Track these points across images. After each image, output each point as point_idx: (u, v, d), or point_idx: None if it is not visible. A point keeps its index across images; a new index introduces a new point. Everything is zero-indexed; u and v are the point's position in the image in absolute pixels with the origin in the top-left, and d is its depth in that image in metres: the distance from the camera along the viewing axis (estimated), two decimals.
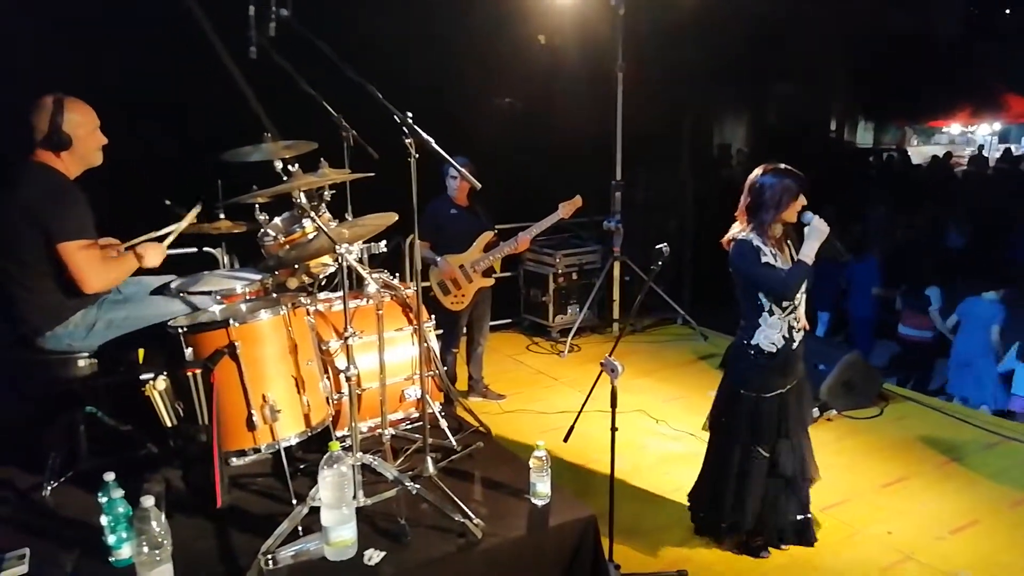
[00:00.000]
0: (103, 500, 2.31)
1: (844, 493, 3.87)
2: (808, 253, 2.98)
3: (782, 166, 3.06)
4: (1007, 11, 18.29)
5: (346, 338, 2.43)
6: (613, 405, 3.03)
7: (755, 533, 3.30)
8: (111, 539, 2.31)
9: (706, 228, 5.71)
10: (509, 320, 6.86)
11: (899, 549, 3.38)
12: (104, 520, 2.31)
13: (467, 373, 5.13)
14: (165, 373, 2.47)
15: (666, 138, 8.29)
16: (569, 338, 6.21)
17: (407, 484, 2.43)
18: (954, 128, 18.89)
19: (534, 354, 6.22)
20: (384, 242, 3.03)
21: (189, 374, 2.38)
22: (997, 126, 18.82)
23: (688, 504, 3.52)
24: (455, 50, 6.22)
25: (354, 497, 2.39)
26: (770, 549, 3.32)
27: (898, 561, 3.30)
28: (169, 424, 2.47)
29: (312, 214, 2.43)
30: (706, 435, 3.47)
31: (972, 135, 19.62)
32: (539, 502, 2.64)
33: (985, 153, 16.55)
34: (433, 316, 3.21)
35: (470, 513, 2.44)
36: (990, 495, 3.87)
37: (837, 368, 4.85)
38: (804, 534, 3.35)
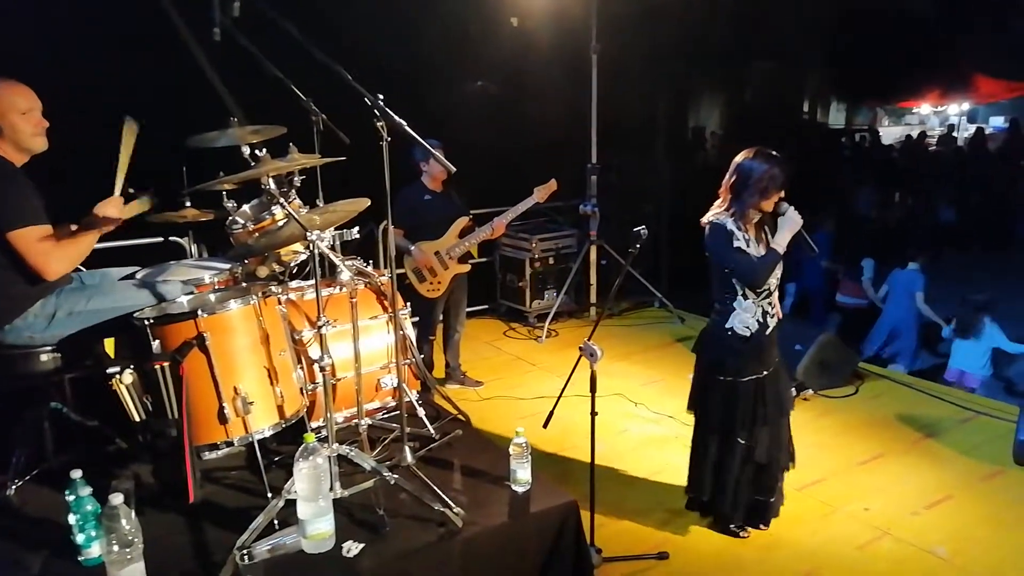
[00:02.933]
0: (70, 498, 2.24)
1: (822, 472, 3.91)
2: (780, 242, 3.00)
3: (772, 153, 3.03)
4: None
5: (319, 327, 2.37)
6: (593, 390, 3.02)
7: (733, 514, 3.32)
8: (80, 538, 2.24)
9: (682, 211, 5.69)
10: (486, 306, 6.82)
11: (876, 526, 3.42)
12: (72, 519, 2.24)
13: (444, 360, 5.09)
14: (132, 366, 2.39)
15: (642, 121, 8.27)
16: (547, 323, 6.19)
17: (385, 474, 2.39)
18: (924, 108, 19.11)
19: (512, 340, 6.20)
20: (357, 228, 2.97)
21: (157, 367, 2.31)
22: (966, 106, 19.06)
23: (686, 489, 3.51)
24: (426, 32, 6.11)
25: (331, 489, 2.34)
26: (749, 529, 3.34)
27: (875, 538, 3.34)
28: (137, 419, 2.40)
29: (282, 200, 2.36)
30: (687, 418, 3.47)
31: (942, 115, 19.87)
32: (520, 489, 2.61)
33: (954, 133, 16.77)
34: (408, 303, 3.15)
35: (450, 502, 2.41)
36: (963, 470, 3.93)
37: (812, 348, 4.89)
38: (762, 515, 3.36)
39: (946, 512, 3.55)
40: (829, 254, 7.17)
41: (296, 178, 2.91)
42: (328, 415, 2.38)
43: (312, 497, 2.19)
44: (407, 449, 2.65)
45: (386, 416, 3.14)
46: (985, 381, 5.60)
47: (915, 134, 16.72)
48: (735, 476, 3.25)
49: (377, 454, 2.76)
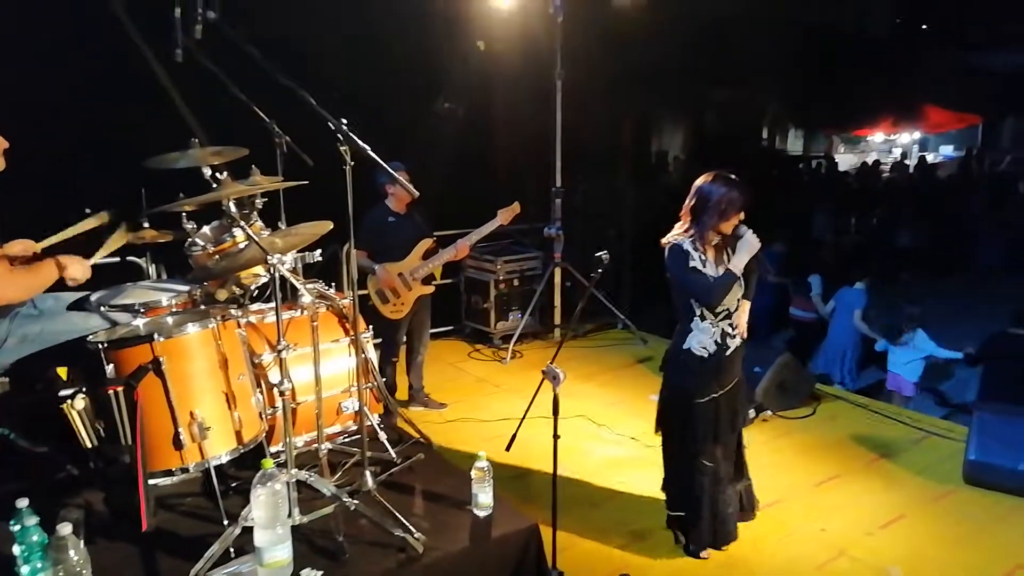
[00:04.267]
0: (15, 528, 2.16)
1: (780, 493, 3.96)
2: (737, 264, 3.06)
3: (732, 176, 3.11)
4: (924, 26, 19.25)
5: (279, 351, 2.35)
6: (555, 412, 3.02)
7: (701, 535, 3.34)
8: (24, 570, 2.16)
9: (645, 234, 5.80)
10: (450, 327, 6.80)
11: (833, 545, 3.47)
12: (17, 550, 2.16)
13: (407, 382, 5.06)
14: (84, 391, 2.34)
15: (606, 145, 8.39)
16: (511, 345, 6.19)
17: (345, 500, 2.36)
18: (877, 137, 19.73)
19: (476, 361, 6.19)
20: (319, 251, 2.96)
21: (110, 392, 2.26)
22: (917, 135, 19.74)
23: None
24: (393, 55, 6.15)
25: (289, 515, 2.31)
26: (709, 551, 3.37)
27: (832, 558, 3.39)
28: (89, 445, 2.34)
29: (242, 223, 2.34)
30: (650, 439, 3.51)
31: (894, 143, 20.54)
32: (481, 513, 2.61)
33: (907, 161, 17.34)
34: (371, 326, 3.14)
35: (410, 527, 2.39)
36: (916, 490, 4.02)
37: (771, 370, 4.97)
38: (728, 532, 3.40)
39: (900, 531, 3.62)
40: (778, 270, 7.62)
41: (258, 200, 2.89)
42: (287, 440, 2.36)
43: (270, 524, 2.15)
44: (368, 474, 2.62)
45: (347, 440, 3.10)
46: (917, 392, 5.92)
47: (870, 161, 17.23)
48: (706, 497, 3.28)
49: (338, 479, 2.73)
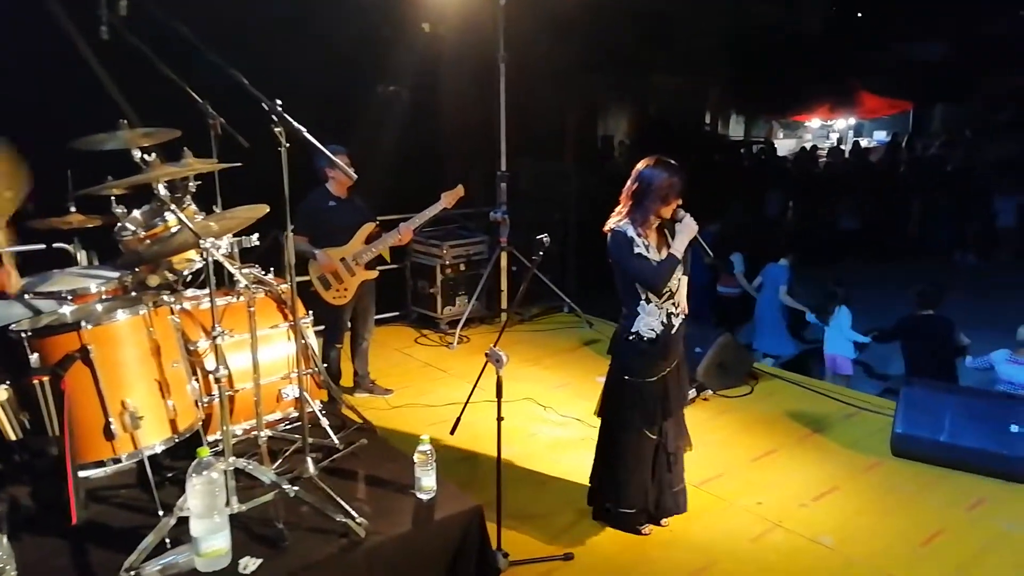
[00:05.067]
0: None
1: (718, 468, 4.08)
2: (678, 247, 3.13)
3: (672, 162, 3.16)
4: (859, 14, 19.83)
5: (214, 337, 2.30)
6: (499, 395, 3.05)
7: (643, 511, 3.41)
8: None
9: (590, 218, 5.87)
10: (397, 313, 6.76)
11: (768, 518, 3.60)
12: None
13: (352, 369, 5.01)
14: (7, 382, 2.24)
15: (551, 129, 8.42)
16: (458, 329, 6.19)
17: (284, 487, 2.33)
18: (815, 122, 20.29)
19: (423, 347, 6.17)
20: (256, 236, 2.89)
21: (35, 382, 2.18)
22: (852, 121, 20.37)
23: (588, 490, 3.57)
24: (336, 35, 6.03)
25: (227, 504, 2.27)
26: (650, 526, 3.45)
27: (767, 530, 3.51)
28: (13, 437, 2.25)
29: (174, 207, 2.27)
30: (594, 420, 3.55)
31: (831, 129, 21.16)
32: (425, 496, 2.61)
33: (842, 146, 17.89)
34: (311, 311, 3.09)
35: (352, 512, 2.38)
36: (847, 462, 4.19)
37: (711, 350, 5.10)
38: (680, 503, 3.50)
39: (832, 503, 3.77)
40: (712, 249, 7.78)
41: (192, 184, 2.81)
42: (224, 428, 2.31)
43: (206, 513, 2.11)
44: (309, 460, 2.59)
45: (289, 427, 3.07)
46: (854, 369, 6.20)
47: (808, 146, 17.71)
48: (649, 471, 3.35)
49: (278, 466, 2.69)
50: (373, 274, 4.76)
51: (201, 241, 2.20)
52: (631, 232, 3.12)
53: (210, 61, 2.35)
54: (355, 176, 2.67)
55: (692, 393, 4.95)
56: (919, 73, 18.22)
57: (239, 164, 2.75)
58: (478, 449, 4.11)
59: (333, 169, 4.55)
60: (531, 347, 6.07)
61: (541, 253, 2.94)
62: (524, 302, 6.96)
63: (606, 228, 3.24)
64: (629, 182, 3.19)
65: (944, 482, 3.94)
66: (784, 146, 19.27)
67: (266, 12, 5.49)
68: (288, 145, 2.39)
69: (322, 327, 4.81)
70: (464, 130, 6.83)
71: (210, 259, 2.25)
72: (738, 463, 4.17)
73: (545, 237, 2.94)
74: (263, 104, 2.37)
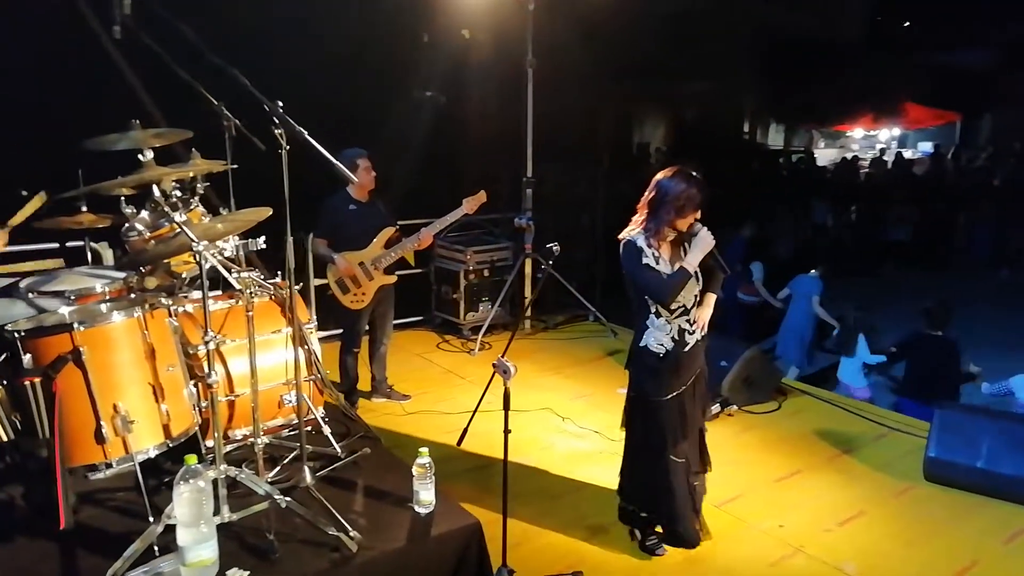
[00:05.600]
0: None
1: (740, 488, 3.92)
2: (692, 261, 3.00)
3: (693, 173, 3.05)
4: (906, 23, 19.34)
5: (207, 342, 2.25)
6: (506, 407, 2.96)
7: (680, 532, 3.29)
8: None
9: (618, 225, 5.76)
10: (420, 317, 6.71)
11: (789, 543, 3.44)
12: None
13: (371, 373, 4.97)
14: (3, 383, 2.23)
15: (581, 135, 8.31)
16: (480, 336, 6.11)
17: (276, 497, 2.27)
18: (858, 132, 19.79)
19: (444, 352, 6.10)
20: (263, 238, 2.85)
21: (27, 383, 2.15)
22: (896, 131, 19.83)
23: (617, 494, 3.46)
24: (359, 42, 6.02)
25: (217, 512, 2.22)
26: (666, 547, 3.32)
27: (787, 555, 3.35)
28: (5, 439, 2.23)
29: (166, 207, 2.23)
30: (612, 433, 3.45)
31: (875, 139, 20.63)
32: (423, 510, 2.53)
33: (885, 157, 17.42)
34: (314, 316, 3.04)
35: (346, 525, 2.31)
36: (876, 486, 3.99)
37: (737, 364, 4.93)
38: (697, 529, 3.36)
39: (858, 528, 3.59)
40: (744, 256, 7.85)
41: (200, 185, 2.79)
42: (216, 435, 2.26)
43: (193, 522, 2.06)
44: (306, 469, 2.54)
45: (292, 434, 3.01)
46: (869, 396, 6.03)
47: (849, 156, 17.30)
48: (676, 494, 3.23)
49: (276, 474, 2.64)
50: (392, 279, 4.72)
51: (194, 244, 2.15)
52: (641, 242, 3.01)
53: (212, 62, 2.32)
54: (355, 179, 2.61)
55: (716, 408, 4.80)
56: (966, 83, 17.66)
57: (236, 166, 2.70)
58: (491, 459, 4.02)
59: (354, 173, 4.53)
60: (554, 355, 5.97)
61: (550, 262, 2.85)
62: (552, 310, 6.90)
63: (619, 237, 3.14)
64: (647, 191, 3.09)
65: (980, 511, 3.73)
66: (825, 156, 18.83)
67: (294, 21, 5.50)
68: (288, 147, 2.33)
69: (340, 331, 4.81)
70: (491, 135, 6.76)
71: (203, 262, 2.20)
72: (761, 483, 4.01)
73: (555, 245, 2.85)
74: (265, 105, 2.32)
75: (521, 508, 3.64)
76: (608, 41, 8.29)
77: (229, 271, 2.48)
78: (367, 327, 4.81)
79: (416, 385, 5.22)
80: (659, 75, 12.90)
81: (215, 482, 2.18)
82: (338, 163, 2.62)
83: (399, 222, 4.85)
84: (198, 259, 2.19)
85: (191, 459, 2.07)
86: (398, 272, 5.52)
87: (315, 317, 3.04)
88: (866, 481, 4.04)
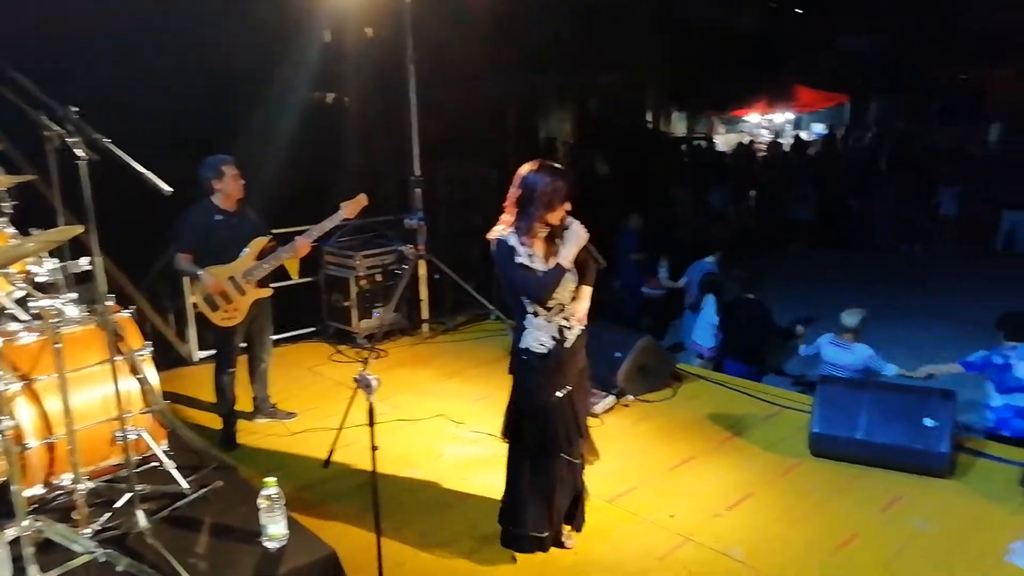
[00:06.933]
0: None
1: (634, 480, 3.89)
2: (566, 256, 2.90)
3: (556, 166, 2.96)
4: (798, 10, 20.11)
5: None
6: (371, 423, 2.80)
7: (537, 537, 3.18)
8: None
9: None
10: (312, 329, 6.44)
11: (679, 532, 3.41)
12: None
13: (252, 393, 4.69)
14: None
15: (475, 131, 8.19)
16: (374, 343, 5.90)
17: (93, 551, 2.04)
18: (754, 117, 20.45)
19: (337, 364, 5.85)
20: (85, 260, 2.58)
21: None
22: (790, 115, 20.59)
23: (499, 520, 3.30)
24: (229, 45, 5.71)
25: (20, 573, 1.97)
26: (553, 549, 3.22)
27: (677, 546, 3.32)
28: None
29: None
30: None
31: (770, 123, 21.39)
32: (273, 545, 2.34)
33: (780, 139, 18.08)
34: (150, 342, 2.79)
35: (182, 572, 2.10)
36: (765, 466, 4.03)
37: (631, 354, 4.91)
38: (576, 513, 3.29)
39: (746, 511, 3.60)
40: (638, 246, 7.95)
41: (6, 204, 2.50)
42: (14, 487, 2.01)
43: None
44: (139, 513, 2.30)
45: (139, 471, 2.75)
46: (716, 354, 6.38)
47: (746, 141, 17.85)
48: (558, 492, 3.12)
49: (106, 521, 2.39)
50: (267, 292, 4.45)
51: None
52: (513, 241, 2.90)
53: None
54: (170, 189, 2.37)
55: (611, 400, 4.77)
56: (854, 67, 18.51)
57: (32, 177, 2.43)
58: (386, 472, 3.83)
59: (220, 180, 4.25)
60: (453, 358, 5.82)
61: (404, 266, 2.69)
62: (449, 311, 6.75)
63: (489, 237, 3.01)
64: (512, 188, 2.97)
65: (860, 481, 3.81)
66: (726, 141, 19.38)
67: (155, 29, 5.18)
68: (87, 158, 2.09)
69: (214, 351, 4.52)
70: (378, 136, 6.56)
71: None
72: (654, 473, 3.99)
73: (408, 248, 2.70)
74: (55, 110, 2.07)
75: (408, 525, 3.48)
76: (506, 34, 8.20)
77: (24, 300, 2.21)
78: (244, 344, 4.54)
79: (304, 401, 4.97)
80: (564, 67, 12.93)
81: (16, 541, 1.93)
82: (148, 174, 2.37)
83: (276, 231, 4.60)
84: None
85: None
86: (282, 283, 5.27)
87: (149, 344, 2.78)
88: (756, 462, 4.08)
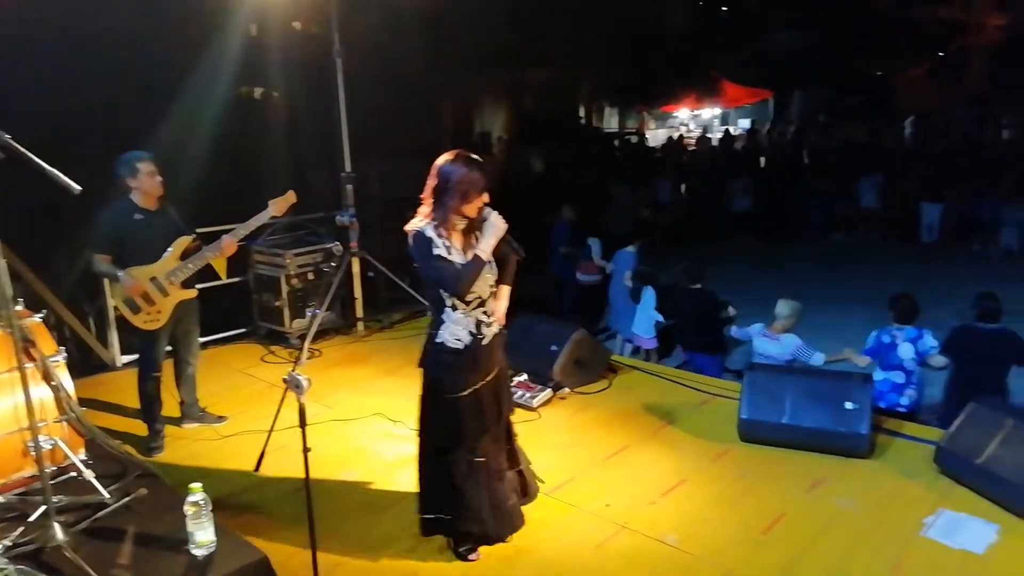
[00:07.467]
0: None
1: (570, 472, 3.93)
2: (484, 248, 2.88)
3: (473, 156, 2.93)
4: (724, 7, 20.69)
5: None
6: (303, 424, 2.75)
7: (478, 533, 3.18)
8: None
9: None
10: (244, 330, 6.27)
11: (615, 521, 3.46)
12: None
13: (179, 398, 4.54)
14: None
15: (412, 127, 8.12)
16: (306, 343, 5.76)
17: (6, 568, 1.94)
18: (683, 112, 20.94)
19: (269, 365, 5.71)
20: None
21: None
22: (718, 110, 21.18)
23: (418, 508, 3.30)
24: (152, 40, 5.49)
25: None
26: (479, 551, 3.20)
27: (612, 534, 3.37)
28: None
29: None
30: None
31: (699, 118, 21.94)
32: (201, 552, 2.27)
33: (709, 134, 18.56)
34: (63, 348, 2.66)
35: None
36: (697, 453, 4.13)
37: (566, 347, 4.96)
38: (516, 519, 3.28)
39: (680, 497, 3.69)
40: (569, 238, 8.02)
41: None
42: None
43: None
44: (56, 525, 2.20)
45: (57, 481, 2.63)
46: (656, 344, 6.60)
47: (676, 136, 18.25)
48: (483, 493, 3.11)
49: (19, 536, 2.27)
50: (192, 293, 4.31)
51: None
52: (430, 232, 2.87)
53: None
54: (78, 187, 2.27)
55: (548, 393, 4.81)
56: (778, 62, 19.15)
57: None
58: (320, 475, 3.76)
59: (135, 178, 4.09)
60: (390, 356, 5.74)
61: (333, 264, 2.65)
62: (386, 308, 6.67)
63: (406, 229, 2.97)
64: (429, 179, 2.94)
65: (787, 464, 3.95)
66: (657, 136, 19.78)
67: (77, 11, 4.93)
68: None
69: (136, 356, 4.35)
70: (304, 132, 6.42)
71: None
72: (591, 464, 4.04)
73: (336, 245, 2.65)
74: None
75: (341, 528, 3.43)
76: (439, 31, 8.15)
77: None
78: (170, 348, 4.38)
79: (235, 405, 4.84)
80: (497, 64, 12.95)
81: None
82: (56, 173, 2.26)
83: (202, 230, 4.46)
84: None
85: None
86: (211, 284, 5.10)
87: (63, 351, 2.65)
88: (688, 449, 4.18)
